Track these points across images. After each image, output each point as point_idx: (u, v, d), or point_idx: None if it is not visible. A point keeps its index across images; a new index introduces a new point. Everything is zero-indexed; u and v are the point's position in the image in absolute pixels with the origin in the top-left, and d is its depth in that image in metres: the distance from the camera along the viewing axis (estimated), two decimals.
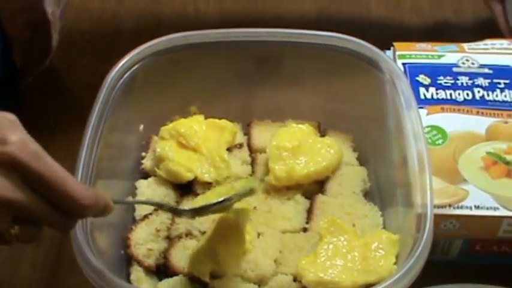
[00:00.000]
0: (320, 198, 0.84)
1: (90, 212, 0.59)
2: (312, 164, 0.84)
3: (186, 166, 0.84)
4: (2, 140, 0.54)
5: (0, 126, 0.55)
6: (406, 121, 0.77)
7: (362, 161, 0.89)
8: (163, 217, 0.82)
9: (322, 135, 0.90)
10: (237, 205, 0.75)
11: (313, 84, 0.90)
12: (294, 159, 0.84)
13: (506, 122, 0.85)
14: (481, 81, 0.89)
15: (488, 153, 0.82)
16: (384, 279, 0.66)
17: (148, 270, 0.79)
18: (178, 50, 0.86)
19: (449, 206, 0.78)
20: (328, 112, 0.91)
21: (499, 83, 0.89)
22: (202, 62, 0.88)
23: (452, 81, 0.89)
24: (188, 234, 0.80)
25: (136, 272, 0.78)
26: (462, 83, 0.89)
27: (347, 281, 0.72)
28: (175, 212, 0.75)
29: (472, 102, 0.87)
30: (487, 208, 0.77)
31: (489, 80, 0.89)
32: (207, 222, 0.80)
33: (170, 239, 0.80)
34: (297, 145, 0.85)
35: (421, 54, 0.92)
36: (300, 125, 0.89)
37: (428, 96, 0.87)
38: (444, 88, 0.88)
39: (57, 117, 0.99)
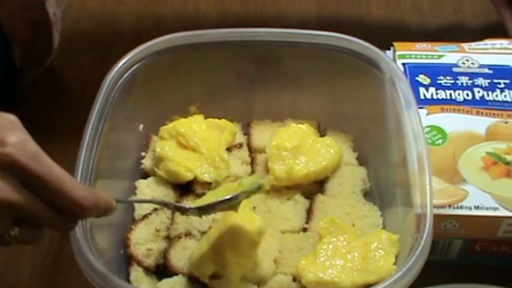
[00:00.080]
0: (320, 198, 0.84)
1: (90, 213, 0.59)
2: (312, 164, 0.84)
3: (186, 166, 0.84)
4: (0, 141, 0.54)
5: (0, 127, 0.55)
6: (406, 121, 0.77)
7: (362, 161, 0.89)
8: (163, 217, 0.82)
9: (322, 135, 0.90)
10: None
11: (313, 84, 0.90)
12: (294, 159, 0.84)
13: (506, 122, 0.85)
14: (481, 81, 0.89)
15: (488, 153, 0.82)
16: (384, 279, 0.66)
17: (147, 270, 0.79)
18: (178, 50, 0.86)
19: (449, 206, 0.78)
20: (328, 112, 0.91)
21: (499, 83, 0.89)
22: (202, 61, 0.88)
23: (452, 81, 0.89)
24: (188, 234, 0.80)
25: (136, 272, 0.78)
26: (462, 83, 0.89)
27: (346, 281, 0.72)
28: (181, 210, 0.73)
29: (472, 102, 0.87)
30: (487, 208, 0.77)
31: (489, 80, 0.89)
32: (207, 222, 0.80)
33: (170, 239, 0.80)
34: (297, 145, 0.85)
35: (421, 54, 0.92)
36: (300, 125, 0.89)
37: (428, 96, 0.87)
38: (444, 88, 0.88)
39: (56, 117, 1.00)
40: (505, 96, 0.87)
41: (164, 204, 0.76)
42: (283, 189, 0.85)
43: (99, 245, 0.71)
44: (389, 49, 0.93)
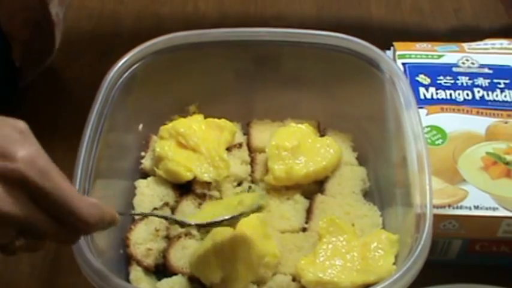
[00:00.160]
0: (319, 198, 0.84)
1: (95, 229, 0.60)
2: (312, 163, 0.84)
3: (186, 166, 0.84)
4: (9, 156, 0.53)
5: (9, 139, 0.54)
6: (406, 121, 0.77)
7: (361, 160, 0.89)
8: None
9: (322, 135, 0.90)
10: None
11: (312, 84, 0.90)
12: (294, 159, 0.84)
13: (506, 122, 0.85)
14: (481, 81, 0.89)
15: (487, 153, 0.82)
16: (383, 279, 0.66)
17: (147, 270, 0.79)
18: (178, 50, 0.86)
19: (449, 206, 0.78)
20: (327, 112, 0.91)
21: (499, 83, 0.89)
22: (201, 61, 0.88)
23: (452, 81, 0.89)
24: (187, 234, 0.80)
25: (136, 272, 0.78)
26: (462, 83, 0.89)
27: (346, 281, 0.72)
28: (181, 224, 0.74)
29: (472, 102, 0.87)
30: (487, 208, 0.77)
31: (489, 80, 0.89)
32: None
33: (169, 239, 0.80)
34: (297, 145, 0.85)
35: (421, 54, 0.92)
36: (300, 125, 0.89)
37: (428, 96, 0.87)
38: (444, 88, 0.88)
39: (56, 116, 0.99)
40: (505, 96, 0.87)
41: (165, 218, 0.77)
42: (283, 189, 0.85)
43: (98, 244, 0.71)
44: (389, 49, 0.93)
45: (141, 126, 0.90)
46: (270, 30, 0.87)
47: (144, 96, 0.86)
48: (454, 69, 0.90)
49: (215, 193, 0.84)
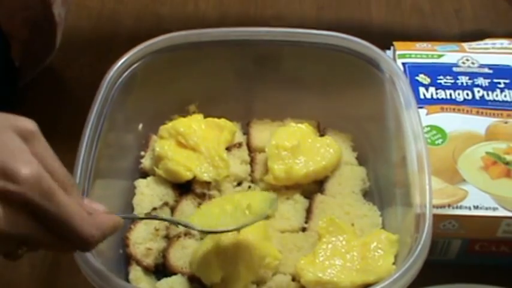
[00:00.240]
0: (319, 197, 0.84)
1: (96, 246, 0.60)
2: (311, 163, 0.84)
3: (185, 165, 0.84)
4: (11, 176, 0.52)
5: (11, 153, 0.53)
6: (406, 121, 0.77)
7: (361, 160, 0.89)
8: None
9: (322, 134, 0.90)
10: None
11: (312, 83, 0.90)
12: (293, 159, 0.84)
13: (506, 122, 0.85)
14: (481, 81, 0.89)
15: (487, 153, 0.82)
16: (383, 279, 0.66)
17: (147, 270, 0.79)
18: (178, 49, 0.86)
19: (449, 206, 0.78)
20: (327, 112, 0.91)
21: (499, 83, 0.89)
22: (201, 60, 0.88)
23: (452, 81, 0.89)
24: (187, 233, 0.80)
25: (135, 272, 0.78)
26: (462, 83, 0.89)
27: (346, 280, 0.72)
28: (188, 227, 0.74)
29: (472, 102, 0.87)
30: (486, 208, 0.77)
31: (489, 80, 0.89)
32: None
33: (169, 238, 0.80)
34: (296, 144, 0.85)
35: (421, 54, 0.92)
36: (300, 125, 0.88)
37: (428, 96, 0.87)
38: (444, 88, 0.88)
39: (56, 116, 0.99)
40: (505, 96, 0.87)
41: (171, 222, 0.78)
42: (283, 189, 0.84)
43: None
44: (389, 49, 0.93)
45: (140, 125, 0.90)
46: (270, 30, 0.87)
47: (143, 96, 0.86)
48: (454, 69, 0.90)
49: (215, 193, 0.84)
